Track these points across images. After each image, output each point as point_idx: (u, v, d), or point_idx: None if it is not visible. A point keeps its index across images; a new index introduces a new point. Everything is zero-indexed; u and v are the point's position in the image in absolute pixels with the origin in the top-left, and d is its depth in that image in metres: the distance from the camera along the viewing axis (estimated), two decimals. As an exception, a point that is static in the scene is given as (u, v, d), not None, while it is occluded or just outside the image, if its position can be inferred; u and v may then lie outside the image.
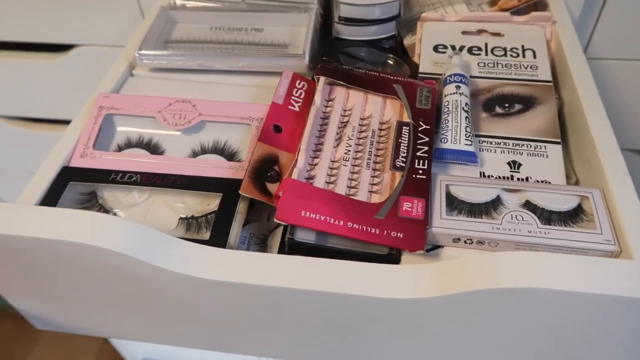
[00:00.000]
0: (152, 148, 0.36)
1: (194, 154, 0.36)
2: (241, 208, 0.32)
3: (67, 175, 0.34)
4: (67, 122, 0.74)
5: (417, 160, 0.33)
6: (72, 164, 0.35)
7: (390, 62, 0.44)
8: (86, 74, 0.65)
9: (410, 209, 0.30)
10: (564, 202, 0.31)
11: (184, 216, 0.33)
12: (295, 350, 0.33)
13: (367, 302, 0.26)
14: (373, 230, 0.29)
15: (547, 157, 0.35)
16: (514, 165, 0.35)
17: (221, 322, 0.31)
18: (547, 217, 0.30)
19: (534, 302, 0.24)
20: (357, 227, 0.29)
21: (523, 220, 0.30)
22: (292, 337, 0.31)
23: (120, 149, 0.36)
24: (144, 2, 0.56)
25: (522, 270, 0.23)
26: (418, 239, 0.29)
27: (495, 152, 0.35)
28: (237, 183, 0.32)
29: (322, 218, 0.30)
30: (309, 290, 0.26)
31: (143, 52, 0.41)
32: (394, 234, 0.29)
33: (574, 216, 0.31)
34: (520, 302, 0.24)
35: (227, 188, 0.33)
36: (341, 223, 0.30)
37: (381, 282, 0.26)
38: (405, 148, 0.33)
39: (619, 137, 0.53)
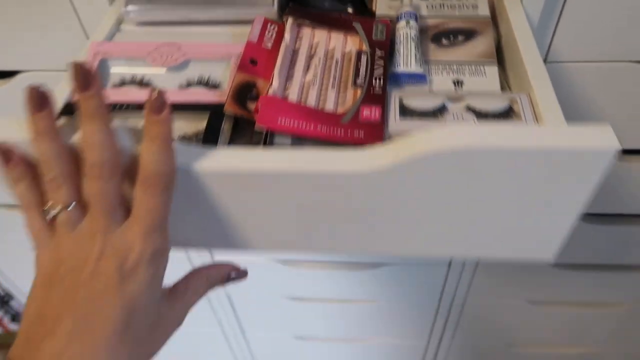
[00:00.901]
0: (144, 85, 0.41)
1: (181, 88, 0.41)
2: (226, 126, 0.37)
3: (71, 110, 0.39)
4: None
5: (374, 79, 0.38)
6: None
7: (350, 12, 0.50)
8: None
9: (369, 115, 0.36)
10: (496, 103, 0.37)
11: (176, 137, 0.38)
12: (296, 239, 0.38)
13: (343, 178, 0.31)
14: (339, 132, 0.35)
15: (485, 76, 0.41)
16: (458, 83, 0.41)
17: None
18: (483, 116, 0.36)
19: (470, 162, 0.30)
20: (325, 129, 0.35)
21: (463, 118, 0.36)
22: (292, 225, 0.36)
23: (115, 87, 0.41)
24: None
25: (457, 135, 0.29)
26: (376, 137, 0.35)
27: (442, 74, 0.41)
28: (221, 106, 0.37)
29: (296, 123, 0.35)
30: (300, 173, 0.31)
31: (130, 7, 0.45)
32: (356, 133, 0.35)
33: (506, 115, 0.37)
34: (457, 162, 0.30)
35: (212, 110, 0.38)
36: (312, 127, 0.35)
37: (351, 160, 0.31)
38: (364, 70, 0.39)
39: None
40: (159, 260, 0.31)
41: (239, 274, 0.39)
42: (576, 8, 0.47)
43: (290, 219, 0.35)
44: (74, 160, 0.31)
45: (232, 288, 0.90)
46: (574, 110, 0.56)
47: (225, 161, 0.32)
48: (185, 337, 1.07)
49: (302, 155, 0.32)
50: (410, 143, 0.30)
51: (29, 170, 0.32)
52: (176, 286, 0.35)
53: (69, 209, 0.30)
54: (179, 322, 0.34)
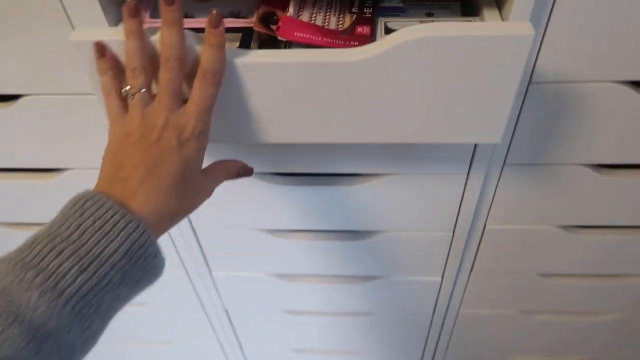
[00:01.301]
0: (190, 16, 0.53)
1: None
2: (254, 45, 0.50)
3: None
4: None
5: (364, 8, 0.51)
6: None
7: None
8: (32, 123, 0.63)
9: (362, 31, 0.49)
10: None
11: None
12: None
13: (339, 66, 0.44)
14: (339, 42, 0.47)
15: (450, 9, 0.54)
16: (429, 15, 0.53)
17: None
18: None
19: (438, 50, 0.43)
20: (329, 40, 0.47)
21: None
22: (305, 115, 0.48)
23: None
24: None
25: (417, 30, 0.42)
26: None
27: (417, 9, 0.54)
28: (250, 28, 0.49)
29: (307, 36, 0.47)
30: (309, 62, 0.44)
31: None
32: (352, 43, 0.47)
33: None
34: (418, 49, 0.43)
35: (244, 32, 0.50)
36: (320, 39, 0.47)
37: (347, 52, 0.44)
38: (357, 3, 0.52)
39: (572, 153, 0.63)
40: (204, 137, 0.42)
41: (247, 171, 0.51)
42: (559, 30, 0.50)
43: (303, 108, 0.48)
44: (152, 56, 0.43)
45: (230, 302, 0.94)
46: (558, 127, 0.60)
47: (255, 56, 0.44)
48: (184, 350, 1.11)
49: (311, 52, 0.44)
50: (388, 39, 0.43)
51: (116, 65, 0.44)
52: (206, 168, 0.46)
53: (142, 92, 0.41)
54: (209, 193, 0.45)
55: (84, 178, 0.70)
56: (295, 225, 0.75)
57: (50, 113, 0.62)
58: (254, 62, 0.44)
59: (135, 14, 0.42)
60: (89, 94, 0.59)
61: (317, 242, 0.78)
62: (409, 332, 1.00)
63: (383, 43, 0.43)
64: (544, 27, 0.50)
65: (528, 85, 0.55)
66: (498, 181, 0.67)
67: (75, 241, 0.33)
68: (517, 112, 0.58)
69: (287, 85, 0.46)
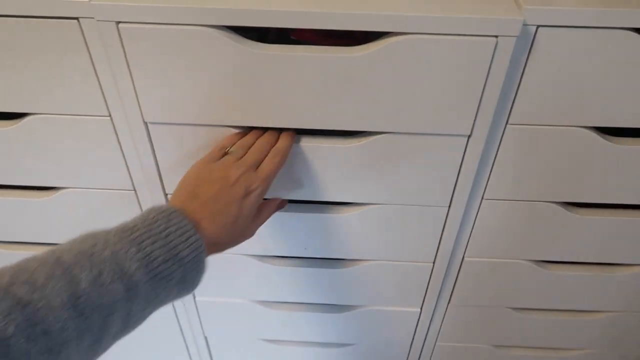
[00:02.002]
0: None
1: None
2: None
3: None
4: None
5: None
6: None
7: None
8: (36, 142, 0.65)
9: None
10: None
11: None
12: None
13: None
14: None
15: None
16: None
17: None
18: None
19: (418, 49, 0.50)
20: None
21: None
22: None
23: None
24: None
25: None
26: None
27: None
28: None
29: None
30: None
31: None
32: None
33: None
34: (412, 49, 0.49)
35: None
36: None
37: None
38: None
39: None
40: (262, 196, 0.55)
41: (282, 203, 0.68)
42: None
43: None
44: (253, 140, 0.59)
45: (209, 328, 0.94)
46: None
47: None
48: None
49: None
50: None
51: (236, 140, 0.59)
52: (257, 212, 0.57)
53: (236, 152, 0.56)
54: (252, 234, 0.57)
55: (80, 197, 0.72)
56: (281, 252, 0.78)
57: (55, 132, 0.64)
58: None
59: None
60: (93, 115, 0.62)
61: (302, 269, 0.80)
62: (390, 360, 1.02)
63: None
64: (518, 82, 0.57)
65: (505, 125, 0.61)
66: (477, 214, 0.71)
67: (163, 238, 0.45)
68: (494, 152, 0.64)
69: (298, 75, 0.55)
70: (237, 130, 0.60)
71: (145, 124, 0.61)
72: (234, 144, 0.57)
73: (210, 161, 0.55)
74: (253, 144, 0.57)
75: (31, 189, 0.73)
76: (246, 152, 0.56)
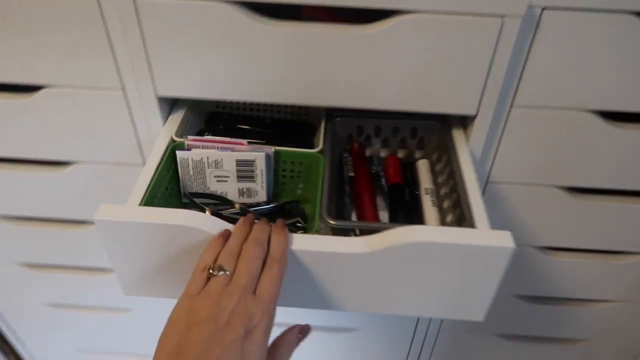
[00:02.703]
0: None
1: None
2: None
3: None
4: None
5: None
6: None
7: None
8: (49, 115, 0.66)
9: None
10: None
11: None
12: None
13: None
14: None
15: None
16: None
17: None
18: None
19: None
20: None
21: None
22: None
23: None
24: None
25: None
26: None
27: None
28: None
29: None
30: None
31: None
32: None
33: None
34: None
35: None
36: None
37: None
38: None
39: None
40: (269, 330, 0.41)
41: (304, 331, 0.48)
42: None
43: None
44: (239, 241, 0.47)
45: None
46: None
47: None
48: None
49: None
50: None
51: (222, 246, 0.46)
52: (269, 353, 0.43)
53: (227, 273, 0.43)
54: None
55: (92, 172, 0.73)
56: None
57: (68, 105, 0.65)
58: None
59: (249, 223, 0.50)
60: (107, 88, 0.62)
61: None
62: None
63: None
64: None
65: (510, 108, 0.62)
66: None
67: None
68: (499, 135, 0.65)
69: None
70: (217, 233, 0.49)
71: (158, 98, 0.62)
72: (218, 255, 0.45)
73: (192, 294, 0.42)
74: (241, 249, 0.46)
75: (44, 164, 0.74)
76: (236, 264, 0.44)
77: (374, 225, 0.56)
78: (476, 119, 0.62)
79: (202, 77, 0.59)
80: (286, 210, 0.64)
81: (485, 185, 0.71)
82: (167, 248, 0.51)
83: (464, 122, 0.67)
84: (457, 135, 0.66)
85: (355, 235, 0.57)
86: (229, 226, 0.50)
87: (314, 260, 0.51)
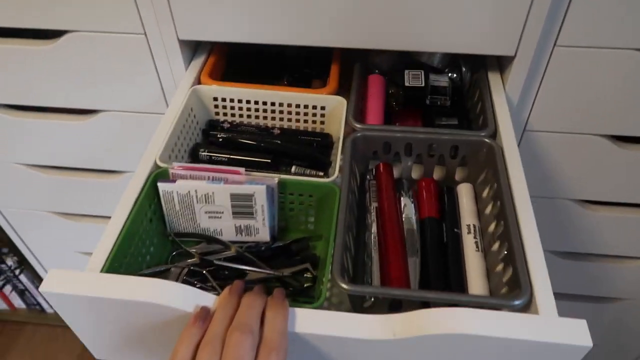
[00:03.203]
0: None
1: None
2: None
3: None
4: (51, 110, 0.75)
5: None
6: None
7: None
8: (74, 61, 0.66)
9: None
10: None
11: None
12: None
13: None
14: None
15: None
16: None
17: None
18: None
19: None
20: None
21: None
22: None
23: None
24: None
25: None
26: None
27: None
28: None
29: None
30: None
31: None
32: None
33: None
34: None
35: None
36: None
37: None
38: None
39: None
40: None
41: None
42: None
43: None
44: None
45: None
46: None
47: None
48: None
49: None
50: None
51: (201, 334, 0.36)
52: None
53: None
54: None
55: (118, 120, 0.73)
56: None
57: (91, 51, 0.64)
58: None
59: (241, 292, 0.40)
60: (128, 32, 0.61)
61: None
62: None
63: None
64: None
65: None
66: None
67: None
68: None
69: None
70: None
71: (180, 41, 0.61)
72: (196, 348, 0.35)
73: None
74: (225, 335, 0.36)
75: (71, 112, 0.75)
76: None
77: (400, 293, 0.43)
78: (515, 60, 0.58)
79: (225, 18, 0.58)
80: (293, 252, 0.53)
81: (522, 134, 0.66)
82: (133, 324, 0.41)
83: (501, 66, 0.64)
84: (494, 82, 0.62)
85: (371, 299, 0.45)
86: (209, 300, 0.39)
87: (320, 345, 0.39)
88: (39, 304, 1.47)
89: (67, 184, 0.87)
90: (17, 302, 1.49)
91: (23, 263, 1.31)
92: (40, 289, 0.39)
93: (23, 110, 0.76)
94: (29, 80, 0.70)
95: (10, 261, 1.34)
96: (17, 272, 1.34)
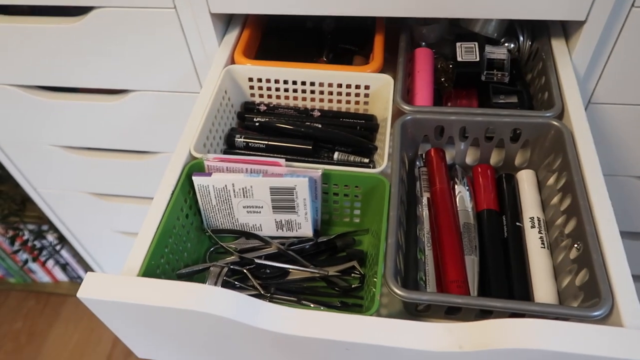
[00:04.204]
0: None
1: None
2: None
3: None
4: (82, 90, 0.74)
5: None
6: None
7: None
8: (102, 39, 0.64)
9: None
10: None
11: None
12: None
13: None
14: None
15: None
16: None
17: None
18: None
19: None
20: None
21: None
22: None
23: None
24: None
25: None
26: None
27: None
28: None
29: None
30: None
31: None
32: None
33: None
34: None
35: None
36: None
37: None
38: None
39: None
40: None
41: None
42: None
43: None
44: None
45: None
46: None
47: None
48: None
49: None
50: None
51: None
52: None
53: None
54: None
55: (151, 100, 0.71)
56: None
57: (120, 27, 0.61)
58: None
59: None
60: (158, 6, 0.58)
61: None
62: None
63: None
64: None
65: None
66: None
67: None
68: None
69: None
70: None
71: (212, 15, 0.57)
72: None
73: None
74: None
75: (103, 93, 0.72)
76: None
77: (461, 300, 0.39)
78: (584, 26, 0.52)
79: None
80: (338, 248, 0.49)
81: (587, 106, 0.60)
82: (173, 328, 0.38)
83: (566, 33, 0.57)
84: (559, 52, 0.55)
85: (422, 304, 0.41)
86: (251, 304, 0.35)
87: (374, 357, 0.36)
88: (80, 277, 1.50)
89: (101, 165, 0.85)
90: (60, 276, 1.53)
91: (63, 239, 1.33)
92: (78, 294, 0.37)
93: (54, 91, 0.74)
94: (57, 60, 0.67)
95: (51, 237, 1.36)
96: (58, 247, 1.37)
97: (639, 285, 0.84)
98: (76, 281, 1.53)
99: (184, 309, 0.35)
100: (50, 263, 1.45)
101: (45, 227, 1.35)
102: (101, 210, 0.98)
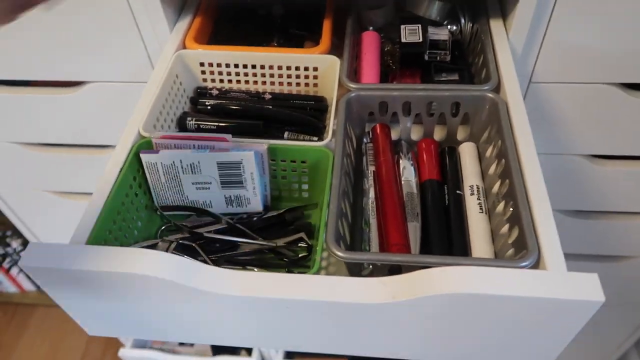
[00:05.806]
0: None
1: None
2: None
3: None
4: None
5: None
6: None
7: None
8: (53, 26, 0.65)
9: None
10: None
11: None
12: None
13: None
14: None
15: None
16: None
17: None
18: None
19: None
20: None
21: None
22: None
23: None
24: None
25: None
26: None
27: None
28: None
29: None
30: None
31: None
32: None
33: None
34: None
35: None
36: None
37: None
38: None
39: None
40: None
41: None
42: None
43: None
44: None
45: None
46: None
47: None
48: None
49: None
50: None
51: None
52: None
53: None
54: None
55: (106, 91, 0.71)
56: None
57: (71, 16, 0.61)
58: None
59: None
60: None
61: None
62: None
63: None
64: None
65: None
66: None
67: None
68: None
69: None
70: None
71: (162, 1, 0.58)
72: None
73: None
74: None
75: (58, 85, 0.72)
76: None
77: (400, 258, 0.41)
78: (518, 5, 0.54)
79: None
80: (287, 222, 0.50)
81: (527, 87, 0.62)
82: (119, 297, 0.39)
83: (504, 12, 0.59)
84: (496, 30, 0.58)
85: (369, 267, 0.43)
86: (195, 267, 0.36)
87: (315, 311, 0.37)
88: (47, 285, 1.47)
89: (59, 161, 0.85)
90: (27, 286, 1.50)
91: (27, 244, 1.31)
92: (19, 263, 0.37)
93: (6, 85, 0.74)
94: (9, 53, 0.67)
95: (15, 243, 1.34)
96: (22, 253, 1.34)
97: (589, 264, 0.89)
98: (44, 290, 1.50)
99: (124, 272, 0.36)
100: (14, 270, 1.42)
101: (8, 233, 1.32)
102: (64, 210, 0.97)
